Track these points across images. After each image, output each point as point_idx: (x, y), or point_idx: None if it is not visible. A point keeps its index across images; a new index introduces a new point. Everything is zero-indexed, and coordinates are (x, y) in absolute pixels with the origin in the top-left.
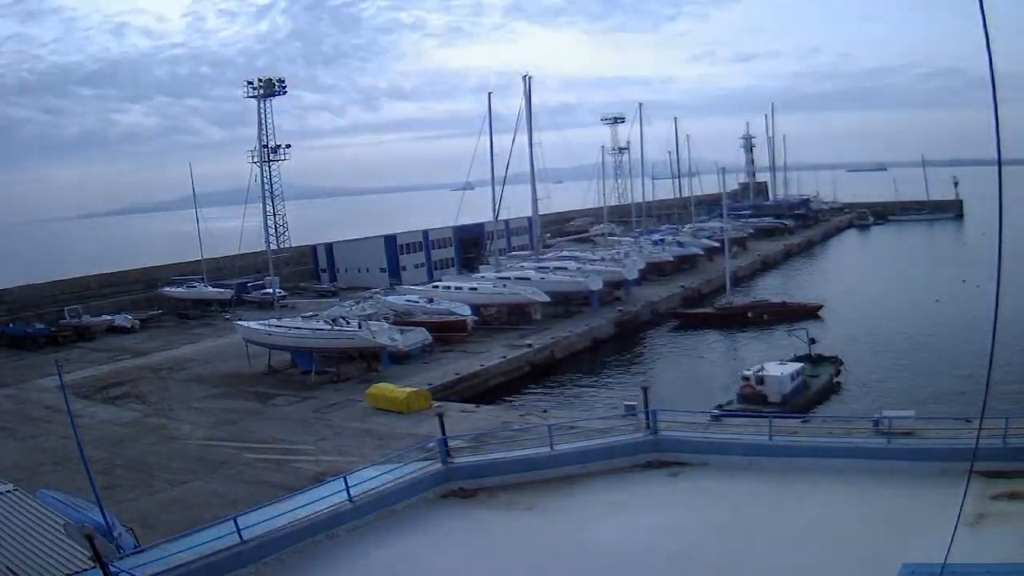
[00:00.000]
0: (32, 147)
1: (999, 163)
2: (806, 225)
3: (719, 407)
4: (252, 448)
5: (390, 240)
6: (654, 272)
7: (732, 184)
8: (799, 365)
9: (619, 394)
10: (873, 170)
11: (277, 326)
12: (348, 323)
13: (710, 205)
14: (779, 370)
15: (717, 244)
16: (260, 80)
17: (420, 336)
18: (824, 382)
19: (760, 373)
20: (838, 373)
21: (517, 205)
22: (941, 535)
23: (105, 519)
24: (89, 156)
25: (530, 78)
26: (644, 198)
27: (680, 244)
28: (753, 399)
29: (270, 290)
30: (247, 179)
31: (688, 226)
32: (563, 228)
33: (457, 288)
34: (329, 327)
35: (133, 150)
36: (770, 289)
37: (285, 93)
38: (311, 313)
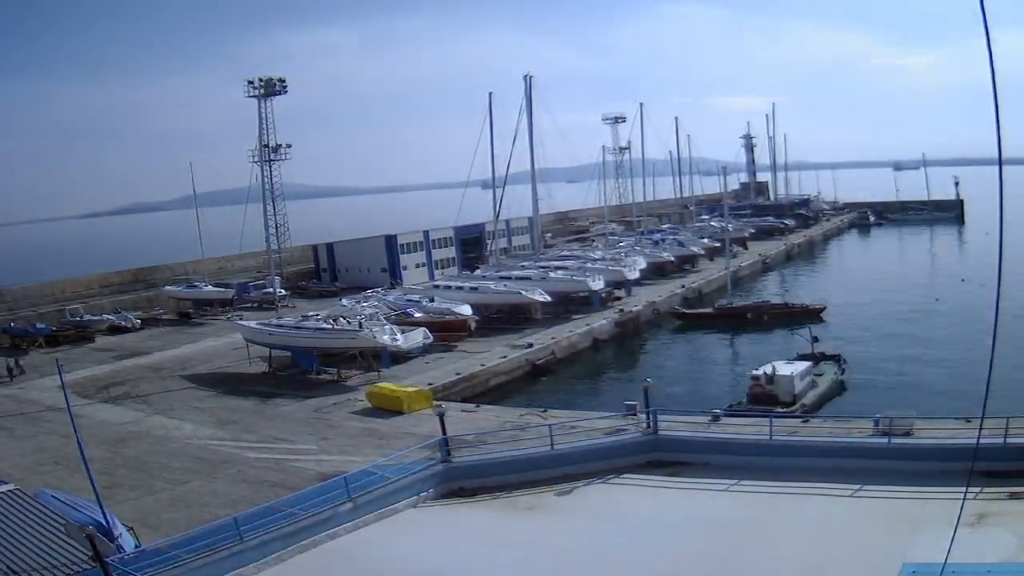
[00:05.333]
0: None
1: (999, 163)
2: (807, 225)
3: (729, 407)
4: (253, 448)
5: (391, 240)
6: (655, 272)
7: (733, 184)
8: (808, 364)
9: (619, 394)
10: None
11: (278, 326)
12: (349, 322)
13: (711, 205)
14: (789, 369)
15: (718, 244)
16: (260, 80)
17: (421, 336)
18: (831, 381)
19: (771, 372)
20: (842, 372)
21: (517, 204)
22: (941, 535)
23: (106, 519)
24: None
25: (531, 78)
26: (645, 198)
27: (681, 244)
28: (764, 399)
29: (271, 290)
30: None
31: (689, 225)
32: (565, 227)
33: (458, 288)
34: (330, 327)
35: None
36: (771, 289)
37: (285, 92)
38: (312, 312)
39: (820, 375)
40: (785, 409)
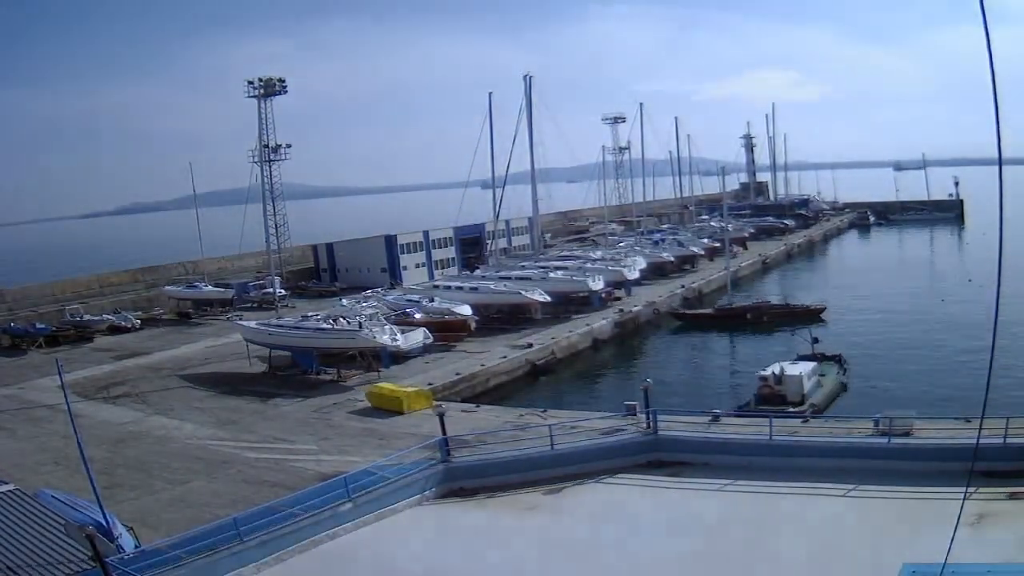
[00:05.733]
0: None
1: (999, 163)
2: (807, 225)
3: (739, 408)
4: (253, 448)
5: (390, 240)
6: (655, 272)
7: (732, 184)
8: (814, 364)
9: (619, 394)
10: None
11: (278, 326)
12: (348, 323)
13: (711, 205)
14: (798, 369)
15: (718, 244)
16: (260, 80)
17: (420, 336)
18: (834, 381)
19: (779, 373)
20: (844, 372)
21: (517, 204)
22: (941, 535)
23: (105, 519)
24: None
25: (531, 78)
26: (645, 198)
27: (680, 244)
28: (772, 399)
29: (271, 290)
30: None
31: (689, 226)
32: (565, 227)
33: (458, 288)
34: (330, 327)
35: None
36: (771, 290)
37: (285, 92)
38: (312, 312)
39: (823, 375)
40: (796, 409)
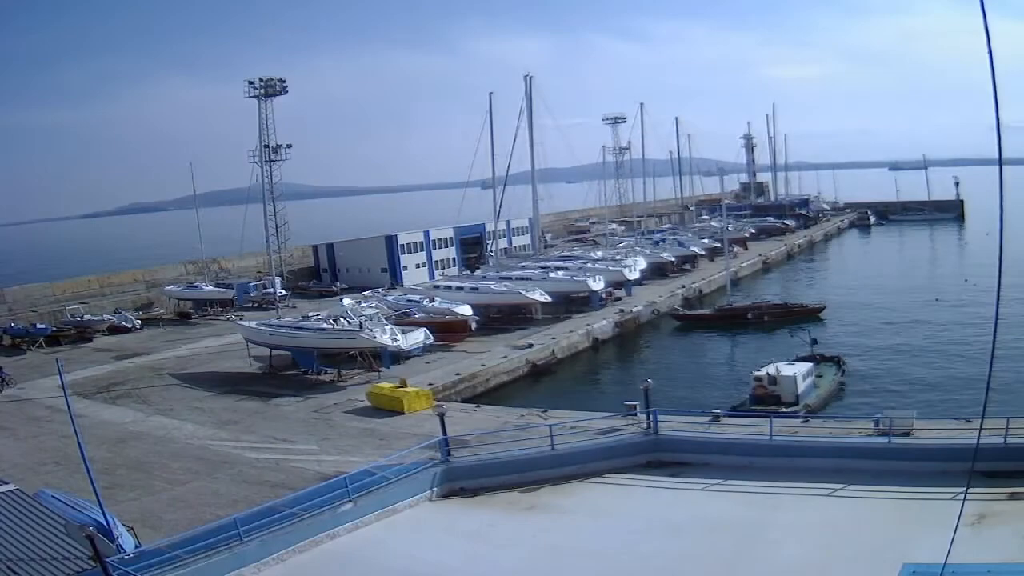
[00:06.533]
0: None
1: (1000, 163)
2: (807, 225)
3: (733, 408)
4: (253, 448)
5: (391, 240)
6: (655, 272)
7: (733, 184)
8: (810, 365)
9: (619, 394)
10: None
11: (278, 326)
12: (349, 323)
13: (711, 205)
14: (792, 370)
15: (718, 244)
16: (261, 80)
17: (421, 336)
18: (831, 382)
19: (773, 373)
20: (842, 373)
21: (517, 205)
22: (941, 535)
23: (106, 519)
24: None
25: (531, 78)
26: (645, 198)
27: (681, 244)
28: (766, 400)
29: (271, 290)
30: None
31: (689, 226)
32: (565, 228)
33: (458, 288)
34: (330, 327)
35: None
36: (771, 289)
37: (286, 93)
38: (312, 313)
39: (821, 376)
40: (788, 410)
